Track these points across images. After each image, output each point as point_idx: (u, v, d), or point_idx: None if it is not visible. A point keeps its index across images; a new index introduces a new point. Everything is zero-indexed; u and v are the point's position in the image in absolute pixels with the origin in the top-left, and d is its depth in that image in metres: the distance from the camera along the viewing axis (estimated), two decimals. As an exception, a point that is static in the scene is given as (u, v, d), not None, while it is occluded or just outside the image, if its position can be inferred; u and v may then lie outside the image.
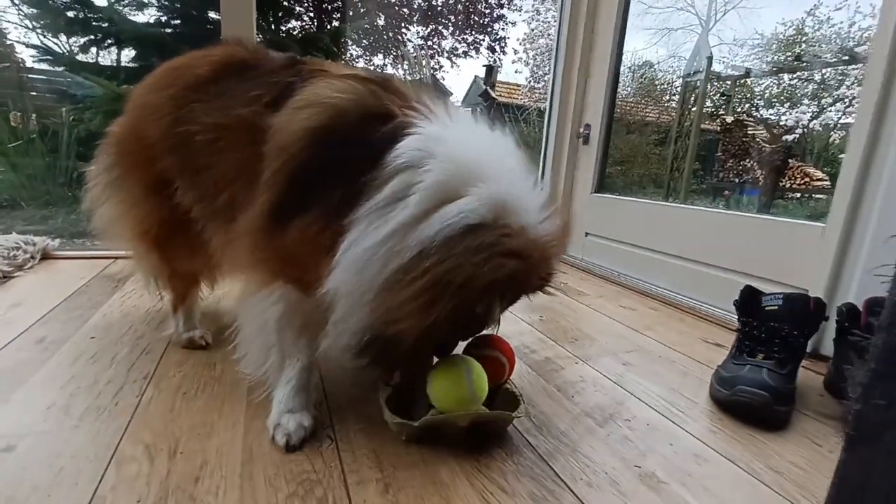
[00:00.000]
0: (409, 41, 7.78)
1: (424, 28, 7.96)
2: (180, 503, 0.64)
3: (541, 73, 8.29)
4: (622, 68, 2.27)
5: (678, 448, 0.86)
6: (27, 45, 4.20)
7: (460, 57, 8.08)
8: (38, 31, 4.12)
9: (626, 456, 0.82)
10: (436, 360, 0.85)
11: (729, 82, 5.29)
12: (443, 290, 0.68)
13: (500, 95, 8.01)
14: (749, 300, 1.13)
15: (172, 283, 1.11)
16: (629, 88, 6.06)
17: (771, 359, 1.01)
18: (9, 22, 4.17)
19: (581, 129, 2.29)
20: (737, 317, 1.13)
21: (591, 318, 1.55)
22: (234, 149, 0.90)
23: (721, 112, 5.13)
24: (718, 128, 5.05)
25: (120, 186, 1.04)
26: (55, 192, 3.08)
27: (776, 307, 1.07)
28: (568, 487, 0.73)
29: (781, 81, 5.41)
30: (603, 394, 1.04)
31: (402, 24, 7.84)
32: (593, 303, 1.70)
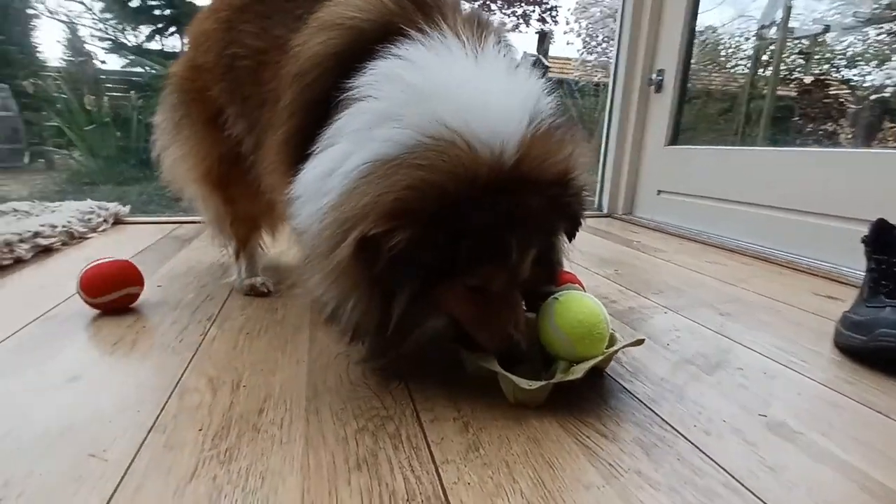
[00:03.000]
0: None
1: (472, 2, 7.74)
2: (244, 432, 0.59)
3: (594, 44, 7.85)
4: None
5: (808, 397, 0.72)
6: (100, 39, 4.45)
7: (510, 31, 7.78)
8: (108, 25, 4.33)
9: (746, 404, 0.69)
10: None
11: (806, 41, 4.72)
12: (340, 232, 0.60)
13: (552, 70, 7.64)
14: (883, 235, 0.94)
15: (234, 227, 1.08)
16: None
17: (918, 299, 0.83)
18: (83, 25, 4.44)
19: (653, 76, 2.08)
20: (867, 255, 0.95)
21: (675, 271, 1.40)
22: (270, 73, 0.83)
23: (798, 72, 4.58)
24: (795, 91, 4.53)
25: (184, 125, 1.01)
26: (128, 172, 3.24)
27: (921, 241, 0.89)
28: (681, 434, 0.62)
29: (867, 37, 4.74)
30: (703, 342, 0.90)
31: (449, -1, 7.62)
32: (673, 258, 1.54)
